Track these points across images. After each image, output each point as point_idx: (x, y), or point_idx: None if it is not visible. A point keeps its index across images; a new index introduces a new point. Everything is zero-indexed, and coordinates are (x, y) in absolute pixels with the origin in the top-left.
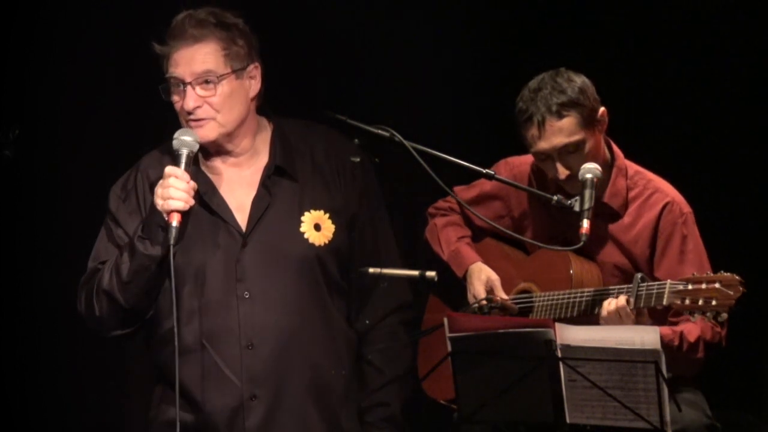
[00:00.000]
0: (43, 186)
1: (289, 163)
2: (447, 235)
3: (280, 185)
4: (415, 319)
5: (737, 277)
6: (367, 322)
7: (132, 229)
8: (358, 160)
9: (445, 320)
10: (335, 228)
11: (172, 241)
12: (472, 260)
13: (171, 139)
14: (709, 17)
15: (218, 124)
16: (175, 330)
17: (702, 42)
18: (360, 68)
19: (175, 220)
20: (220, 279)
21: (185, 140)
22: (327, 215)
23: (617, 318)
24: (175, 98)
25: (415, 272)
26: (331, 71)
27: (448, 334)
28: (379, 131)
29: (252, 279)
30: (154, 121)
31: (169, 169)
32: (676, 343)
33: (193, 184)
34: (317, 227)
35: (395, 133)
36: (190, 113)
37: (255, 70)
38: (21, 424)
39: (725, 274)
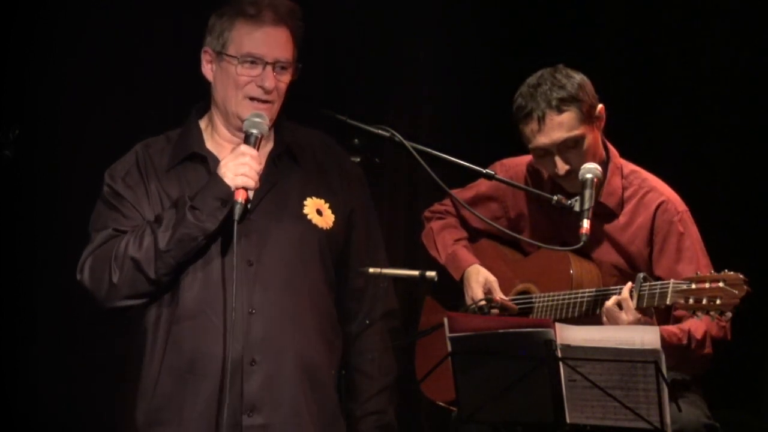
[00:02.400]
0: (43, 186)
1: (295, 149)
2: (443, 238)
3: (286, 167)
4: (410, 322)
5: (741, 276)
6: (356, 326)
7: (135, 200)
8: (359, 160)
9: (445, 320)
10: (335, 218)
11: (236, 217)
12: (469, 262)
13: (173, 128)
14: (707, 16)
15: (274, 109)
16: (233, 302)
17: (700, 41)
18: (360, 68)
19: (242, 197)
20: (222, 250)
21: (257, 122)
22: (327, 204)
23: (618, 312)
24: (245, 72)
25: (415, 272)
26: (330, 71)
27: (448, 334)
28: (379, 131)
29: (255, 251)
30: (154, 121)
31: (245, 148)
32: (685, 341)
33: (262, 166)
34: (319, 212)
35: (395, 133)
36: (265, 92)
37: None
38: (20, 423)
39: (729, 273)
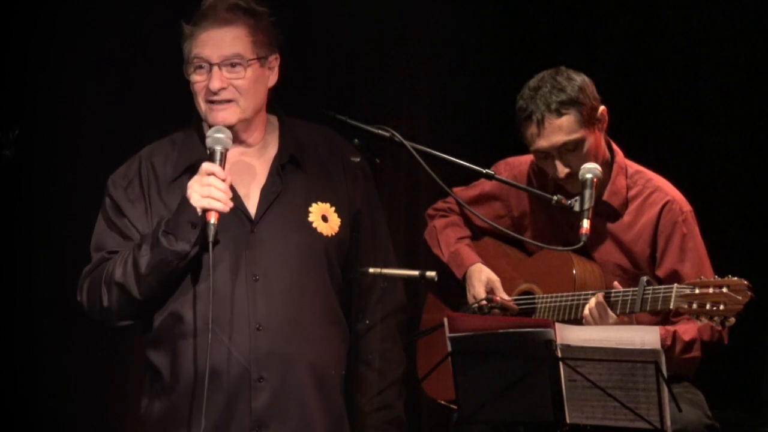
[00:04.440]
0: (43, 186)
1: (300, 154)
2: (446, 236)
3: (289, 175)
4: (412, 320)
5: (745, 282)
6: (365, 323)
7: (135, 217)
8: (358, 160)
9: (445, 320)
10: (340, 222)
11: (211, 239)
12: (472, 261)
13: (175, 131)
14: (709, 15)
15: (240, 108)
16: (210, 320)
17: (703, 41)
18: (360, 68)
19: (213, 218)
20: (228, 264)
21: (219, 138)
22: (333, 209)
23: (597, 316)
24: (197, 78)
25: (416, 272)
26: (331, 71)
27: (448, 334)
28: (379, 131)
29: (260, 264)
30: (154, 121)
31: (207, 166)
32: (669, 342)
33: (229, 181)
34: (324, 218)
35: (395, 133)
36: (214, 94)
37: (275, 61)
38: (20, 423)
39: (733, 278)
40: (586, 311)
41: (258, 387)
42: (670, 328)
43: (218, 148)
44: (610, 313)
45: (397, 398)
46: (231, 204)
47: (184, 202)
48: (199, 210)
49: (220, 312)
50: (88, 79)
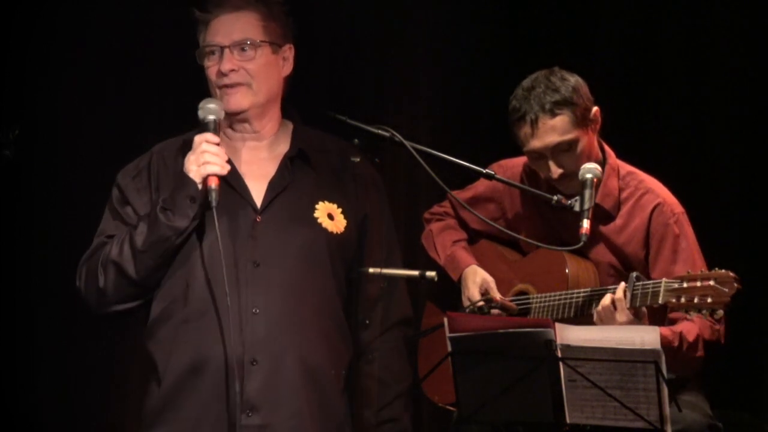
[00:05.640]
0: (43, 186)
1: (311, 153)
2: (442, 239)
3: (299, 171)
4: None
5: (732, 274)
6: (368, 333)
7: (139, 206)
8: (358, 159)
9: (445, 320)
10: (347, 223)
11: (214, 204)
12: (467, 263)
13: (185, 132)
14: (709, 15)
15: (252, 91)
16: (227, 289)
17: (702, 41)
18: (360, 68)
19: (214, 183)
20: (230, 251)
21: (210, 107)
22: (340, 210)
23: (612, 312)
24: (209, 64)
25: (416, 272)
26: (331, 71)
27: (448, 334)
28: (379, 131)
29: (261, 252)
30: (154, 120)
31: (199, 137)
32: (676, 344)
33: (223, 148)
34: (330, 217)
35: (395, 133)
36: (224, 75)
37: (289, 52)
38: (20, 423)
39: (720, 271)
40: (600, 307)
41: (251, 370)
42: (675, 329)
43: (211, 118)
44: (621, 309)
45: (403, 411)
46: (227, 168)
47: (183, 177)
48: (198, 181)
49: (218, 296)
50: (88, 79)
